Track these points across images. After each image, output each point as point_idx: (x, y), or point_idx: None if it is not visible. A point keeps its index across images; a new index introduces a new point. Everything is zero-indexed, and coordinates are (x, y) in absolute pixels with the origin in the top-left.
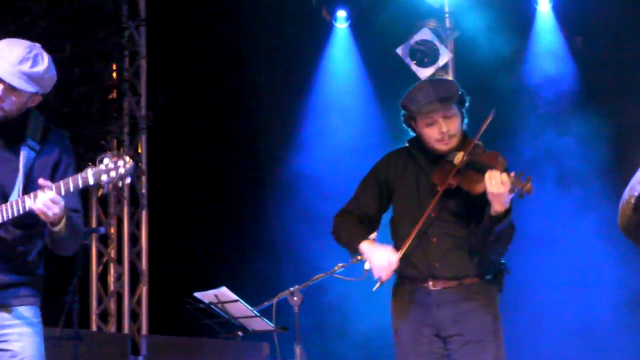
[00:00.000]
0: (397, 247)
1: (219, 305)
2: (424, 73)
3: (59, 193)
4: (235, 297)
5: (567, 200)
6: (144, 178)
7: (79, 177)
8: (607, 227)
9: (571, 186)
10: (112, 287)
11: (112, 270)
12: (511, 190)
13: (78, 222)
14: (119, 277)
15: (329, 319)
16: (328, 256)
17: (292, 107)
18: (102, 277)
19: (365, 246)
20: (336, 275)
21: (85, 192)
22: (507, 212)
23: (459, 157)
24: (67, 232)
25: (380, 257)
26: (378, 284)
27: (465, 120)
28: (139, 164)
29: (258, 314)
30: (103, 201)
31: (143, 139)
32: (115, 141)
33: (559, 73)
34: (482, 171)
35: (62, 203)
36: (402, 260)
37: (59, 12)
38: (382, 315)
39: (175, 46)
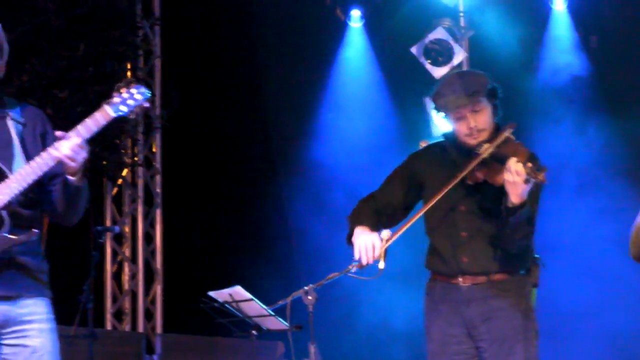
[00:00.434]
0: (432, 246)
1: (234, 304)
2: (439, 72)
3: (81, 136)
4: (249, 296)
5: (585, 205)
6: (158, 177)
7: (98, 115)
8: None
9: (588, 189)
10: (126, 285)
11: (126, 269)
12: (526, 181)
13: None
14: (133, 276)
15: (340, 314)
16: (343, 254)
17: (307, 106)
18: (117, 276)
19: (357, 229)
20: (350, 275)
21: (99, 191)
22: (523, 204)
23: (484, 149)
24: (83, 182)
25: (364, 239)
26: (353, 266)
27: (499, 112)
28: (153, 163)
29: (272, 313)
30: (117, 200)
31: (157, 138)
32: (129, 140)
33: (574, 72)
34: (504, 162)
35: (87, 149)
36: (433, 255)
37: (74, 11)
38: (390, 311)
39: (189, 45)
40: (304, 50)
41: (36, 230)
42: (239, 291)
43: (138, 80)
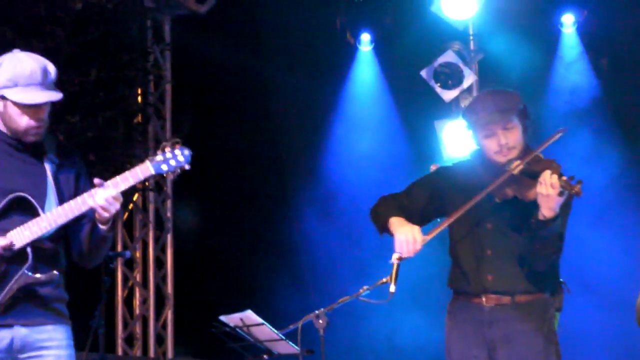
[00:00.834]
0: (455, 265)
1: (245, 328)
2: (448, 95)
3: (118, 187)
4: (260, 320)
5: (599, 233)
6: (169, 202)
7: (138, 169)
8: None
9: (602, 216)
10: (137, 311)
11: (137, 294)
12: (560, 193)
13: None
14: (144, 301)
15: (351, 338)
16: (353, 278)
17: (317, 129)
18: (128, 301)
19: (394, 220)
20: (362, 299)
21: None
22: (555, 218)
23: (514, 165)
24: (112, 232)
25: (405, 231)
26: (395, 259)
27: (529, 133)
28: (164, 188)
29: (284, 337)
30: (128, 225)
31: None
32: None
33: (585, 95)
34: (535, 177)
35: (122, 200)
36: (456, 274)
37: (85, 37)
38: (401, 334)
39: (199, 70)
40: (314, 73)
41: (56, 272)
42: (250, 315)
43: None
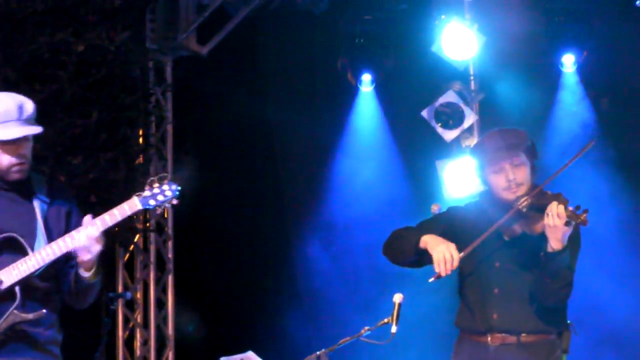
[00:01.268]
0: (463, 304)
1: None
2: (449, 135)
3: (105, 225)
4: None
5: (602, 272)
6: (170, 242)
7: (126, 205)
8: None
9: (603, 254)
10: (138, 352)
11: (138, 336)
12: (567, 223)
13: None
14: (145, 342)
15: None
16: (355, 318)
17: (319, 171)
18: (129, 342)
19: (427, 237)
20: (363, 339)
21: (111, 257)
22: (564, 250)
23: (522, 201)
24: (97, 278)
25: (442, 250)
26: (434, 277)
27: (537, 173)
28: (165, 229)
29: None
30: (129, 266)
31: None
32: None
33: (585, 135)
34: (542, 211)
35: (103, 242)
36: (463, 312)
37: (87, 79)
38: None
39: (201, 111)
40: (316, 114)
41: (44, 311)
42: (251, 356)
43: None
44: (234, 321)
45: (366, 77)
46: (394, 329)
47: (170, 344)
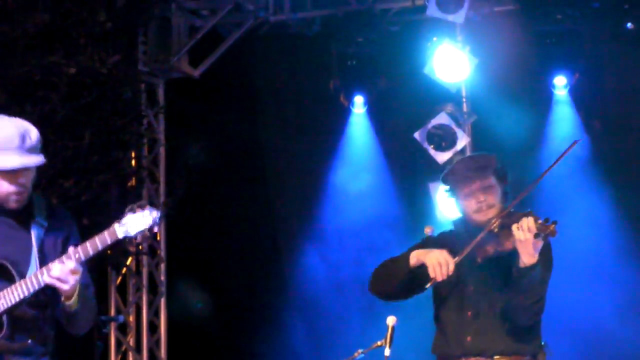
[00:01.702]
0: (438, 329)
1: None
2: (442, 157)
3: (86, 255)
4: None
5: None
6: (162, 265)
7: (106, 234)
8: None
9: (599, 276)
10: None
11: (131, 359)
12: (537, 236)
13: (90, 296)
14: None
15: None
16: (346, 342)
17: (312, 192)
18: None
19: (416, 251)
20: None
21: (103, 281)
22: (535, 265)
23: (493, 222)
24: (80, 305)
25: (436, 255)
26: (430, 283)
27: (508, 197)
28: (158, 252)
29: None
30: (122, 289)
31: (162, 225)
32: None
33: (577, 156)
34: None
35: (80, 271)
36: (439, 338)
37: (79, 101)
38: None
39: (193, 133)
40: (308, 135)
41: (29, 341)
42: None
43: (152, 207)
44: (226, 345)
45: (358, 99)
46: (387, 352)
47: None
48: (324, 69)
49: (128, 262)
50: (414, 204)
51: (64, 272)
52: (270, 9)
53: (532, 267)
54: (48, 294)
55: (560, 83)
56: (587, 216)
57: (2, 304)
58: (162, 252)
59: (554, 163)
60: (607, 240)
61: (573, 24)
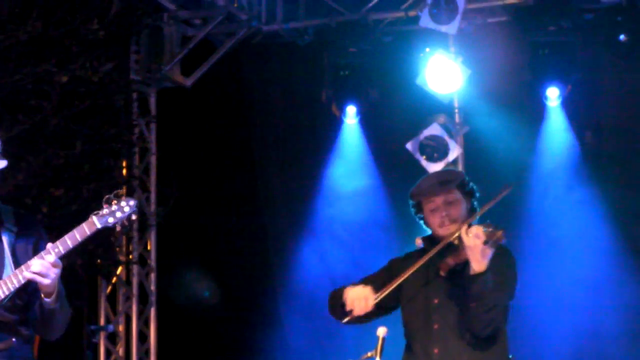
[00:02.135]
0: (407, 345)
1: None
2: (434, 168)
3: (66, 248)
4: None
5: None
6: (152, 275)
7: (84, 226)
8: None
9: (596, 289)
10: None
11: None
12: (485, 242)
13: (65, 298)
14: None
15: None
16: (336, 353)
17: (303, 202)
18: None
19: (349, 288)
20: None
21: (94, 290)
22: (485, 272)
23: (453, 234)
24: (59, 303)
25: (357, 291)
26: (348, 317)
27: (476, 210)
28: (148, 261)
29: None
30: (111, 298)
31: (152, 235)
32: (124, 238)
33: (569, 168)
34: None
35: (60, 265)
36: (407, 353)
37: (70, 110)
38: None
39: (185, 142)
40: (300, 146)
41: (14, 339)
42: None
43: (129, 198)
44: (216, 355)
45: (351, 109)
46: None
47: None
48: (317, 79)
49: (118, 272)
50: (406, 214)
51: (44, 266)
52: (263, 19)
53: (481, 274)
54: (24, 299)
55: (553, 94)
56: (581, 231)
57: None
58: (152, 262)
59: (491, 203)
60: (600, 254)
61: (566, 35)
